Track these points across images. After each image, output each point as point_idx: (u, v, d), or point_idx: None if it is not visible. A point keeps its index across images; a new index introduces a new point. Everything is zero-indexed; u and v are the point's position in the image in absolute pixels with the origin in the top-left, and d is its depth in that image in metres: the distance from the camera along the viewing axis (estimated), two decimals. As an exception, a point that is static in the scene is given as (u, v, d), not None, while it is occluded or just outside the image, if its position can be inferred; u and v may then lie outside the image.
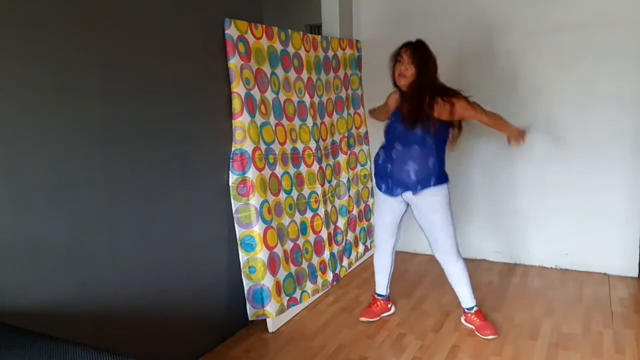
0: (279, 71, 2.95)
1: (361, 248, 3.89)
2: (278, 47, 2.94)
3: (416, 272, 3.71)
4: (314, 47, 3.28)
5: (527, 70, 3.52)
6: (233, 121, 2.66)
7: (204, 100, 2.52)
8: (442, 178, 2.69)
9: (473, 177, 3.73)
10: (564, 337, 2.73)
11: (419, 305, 3.17)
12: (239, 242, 2.74)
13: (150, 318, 2.27)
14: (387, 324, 2.93)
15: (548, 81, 3.48)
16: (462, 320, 2.89)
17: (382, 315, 3.01)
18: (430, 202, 2.68)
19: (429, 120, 2.58)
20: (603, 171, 3.44)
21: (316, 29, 5.02)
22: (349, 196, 3.69)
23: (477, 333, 2.77)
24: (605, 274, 3.56)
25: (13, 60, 1.68)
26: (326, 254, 3.35)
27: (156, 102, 2.25)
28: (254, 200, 2.69)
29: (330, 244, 3.39)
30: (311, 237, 3.23)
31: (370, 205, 4.05)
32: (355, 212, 3.79)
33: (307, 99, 3.17)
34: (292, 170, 3.05)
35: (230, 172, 2.68)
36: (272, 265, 2.80)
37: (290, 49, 3.04)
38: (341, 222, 3.60)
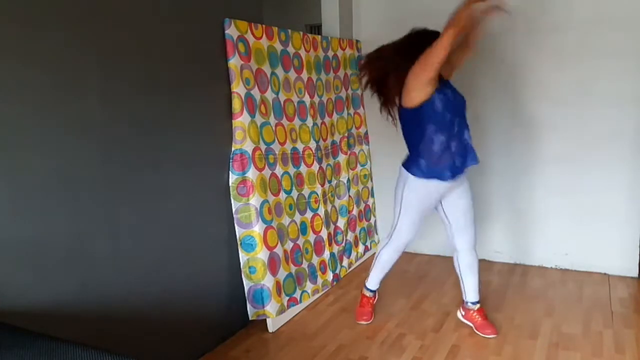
0: (279, 71, 2.95)
1: (361, 248, 3.89)
2: (278, 47, 2.94)
3: (416, 272, 3.71)
4: (314, 47, 3.28)
5: (526, 70, 3.52)
6: (233, 121, 2.66)
7: (204, 100, 2.52)
8: None
9: (472, 178, 3.72)
10: (564, 337, 2.73)
11: (419, 305, 3.17)
12: (239, 242, 2.74)
13: (150, 318, 2.27)
14: (387, 324, 2.94)
15: (548, 81, 3.48)
16: (461, 317, 2.89)
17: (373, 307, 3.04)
18: (468, 186, 2.72)
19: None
20: (603, 171, 3.43)
21: (316, 29, 5.02)
22: (349, 196, 3.69)
23: (477, 331, 2.77)
24: (605, 274, 3.56)
25: (13, 60, 1.68)
26: (326, 254, 3.35)
27: (156, 102, 2.25)
28: (254, 200, 2.69)
29: (330, 244, 3.39)
30: (311, 237, 3.23)
31: (370, 205, 4.05)
32: (355, 212, 3.79)
33: (307, 99, 3.17)
34: (292, 170, 3.05)
35: (230, 172, 2.68)
36: (272, 265, 2.80)
37: (290, 49, 3.04)
38: (341, 222, 3.60)
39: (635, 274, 3.49)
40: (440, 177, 2.58)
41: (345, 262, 3.65)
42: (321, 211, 3.29)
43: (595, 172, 3.46)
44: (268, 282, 2.77)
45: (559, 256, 3.68)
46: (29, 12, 1.72)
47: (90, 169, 1.97)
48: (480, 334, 2.75)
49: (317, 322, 2.99)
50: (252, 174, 2.68)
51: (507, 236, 3.80)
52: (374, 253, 3.82)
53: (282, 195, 2.96)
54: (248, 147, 2.67)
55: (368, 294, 3.03)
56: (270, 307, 2.79)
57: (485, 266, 3.72)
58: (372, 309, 3.03)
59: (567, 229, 3.61)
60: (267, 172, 2.81)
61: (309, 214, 3.21)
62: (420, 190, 2.65)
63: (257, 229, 2.71)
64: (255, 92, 2.74)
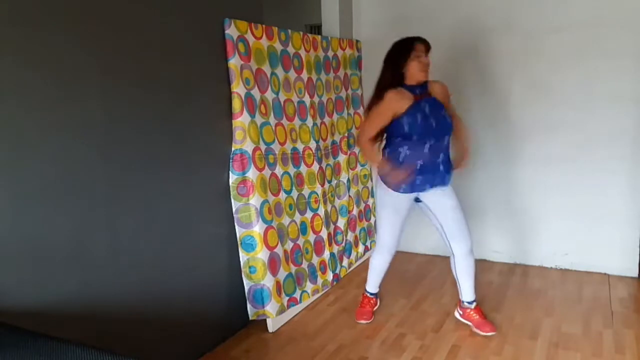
0: (279, 71, 2.95)
1: (361, 248, 3.89)
2: (278, 47, 2.94)
3: (416, 272, 3.71)
4: (314, 47, 3.28)
5: (526, 70, 3.52)
6: (233, 121, 2.66)
7: (204, 100, 2.52)
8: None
9: (472, 178, 3.72)
10: (564, 337, 2.73)
11: (419, 305, 3.17)
12: (239, 242, 2.74)
13: (150, 318, 2.27)
14: (387, 324, 2.94)
15: (548, 81, 3.48)
16: (459, 317, 2.90)
17: (373, 309, 3.06)
18: (452, 191, 2.74)
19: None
20: (603, 171, 3.43)
21: (316, 29, 5.02)
22: (349, 196, 3.69)
23: (475, 330, 2.78)
24: (605, 274, 3.56)
25: (13, 61, 1.68)
26: (326, 254, 3.35)
27: (156, 102, 2.25)
28: (254, 200, 2.69)
29: (330, 244, 3.39)
30: (311, 237, 3.23)
31: (370, 205, 4.05)
32: (355, 212, 3.79)
33: (307, 99, 3.17)
34: (292, 170, 3.05)
35: (230, 172, 2.68)
36: (273, 265, 2.80)
37: (290, 49, 3.04)
38: (341, 222, 3.60)
39: (635, 274, 3.49)
40: (396, 188, 2.67)
41: (345, 262, 3.65)
42: (321, 211, 3.29)
43: (595, 172, 3.46)
44: (268, 282, 2.77)
45: (559, 256, 3.68)
46: (29, 12, 1.72)
47: (90, 169, 1.97)
48: (479, 332, 2.75)
49: (317, 322, 2.99)
50: (252, 174, 2.68)
51: (507, 236, 3.80)
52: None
53: (282, 195, 2.95)
54: (248, 147, 2.67)
55: (369, 295, 3.05)
56: (270, 307, 2.79)
57: (485, 266, 3.72)
58: (372, 309, 3.04)
59: (567, 229, 3.61)
60: (267, 172, 2.81)
61: (309, 214, 3.21)
62: (386, 197, 2.75)
63: (257, 229, 2.71)
64: (255, 92, 2.74)
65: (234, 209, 2.70)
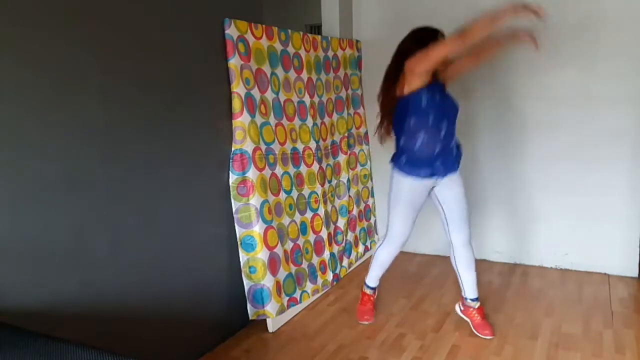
0: (279, 71, 2.95)
1: (361, 248, 3.89)
2: (278, 47, 2.94)
3: (416, 272, 3.72)
4: (314, 47, 3.28)
5: (526, 70, 3.52)
6: (233, 121, 2.66)
7: (204, 100, 2.52)
8: None
9: (472, 178, 3.72)
10: (564, 337, 2.73)
11: (419, 305, 3.17)
12: (239, 242, 2.74)
13: (150, 318, 2.27)
14: (387, 324, 2.93)
15: (548, 82, 3.48)
16: (459, 311, 2.89)
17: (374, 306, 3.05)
18: (461, 180, 2.73)
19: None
20: (603, 171, 3.44)
21: (316, 29, 5.02)
22: (349, 196, 3.69)
23: (474, 330, 2.77)
24: (605, 274, 3.56)
25: (13, 61, 1.68)
26: (326, 254, 3.35)
27: (156, 102, 2.25)
28: (254, 200, 2.69)
29: (330, 244, 3.39)
30: (311, 237, 3.23)
31: (370, 205, 4.05)
32: (355, 212, 3.79)
33: (307, 99, 3.17)
34: (292, 170, 3.05)
35: (230, 172, 2.68)
36: (273, 265, 2.80)
37: (290, 49, 3.04)
38: (341, 222, 3.60)
39: (635, 274, 3.49)
40: (418, 174, 2.65)
41: (345, 262, 3.65)
42: (321, 211, 3.29)
43: (595, 172, 3.46)
44: (268, 282, 2.77)
45: (559, 256, 3.68)
46: (29, 13, 1.72)
47: (90, 169, 1.96)
48: (478, 334, 2.75)
49: (317, 322, 2.99)
50: (252, 174, 2.68)
51: (507, 236, 3.80)
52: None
53: (282, 195, 2.96)
54: (248, 147, 2.67)
55: (368, 291, 3.03)
56: (270, 307, 2.79)
57: (485, 266, 3.72)
58: (373, 306, 3.03)
59: (567, 229, 3.61)
60: (267, 172, 2.81)
61: (309, 214, 3.21)
62: (403, 185, 2.70)
63: (257, 229, 2.71)
64: (255, 92, 2.74)
65: (234, 209, 2.70)
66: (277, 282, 2.84)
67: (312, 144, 3.20)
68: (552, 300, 3.19)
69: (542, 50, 2.59)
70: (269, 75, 2.85)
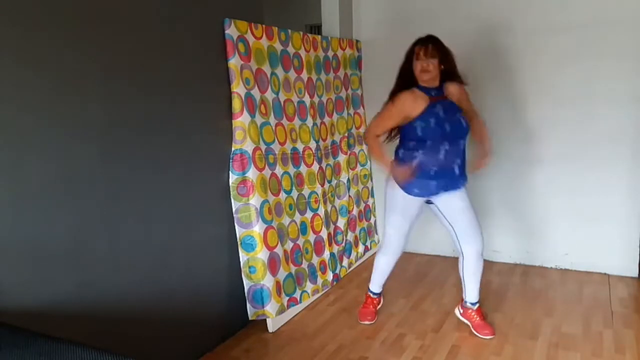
0: (279, 71, 2.95)
1: (361, 248, 3.89)
2: (278, 47, 2.94)
3: (416, 272, 3.71)
4: (314, 47, 3.28)
5: (527, 70, 3.52)
6: (233, 121, 2.66)
7: (204, 100, 2.52)
8: None
9: (472, 178, 3.72)
10: (564, 337, 2.73)
11: (419, 305, 3.17)
12: (239, 242, 2.74)
13: (150, 318, 2.27)
14: (387, 324, 2.93)
15: (548, 82, 3.48)
16: (459, 315, 2.89)
17: (377, 309, 3.05)
18: (464, 193, 2.70)
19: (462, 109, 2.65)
20: (603, 171, 3.43)
21: (316, 29, 5.02)
22: (349, 196, 3.69)
23: (474, 331, 2.77)
24: (605, 274, 3.56)
25: (13, 62, 1.68)
26: (326, 254, 3.35)
27: (156, 102, 2.25)
28: (254, 200, 2.69)
29: (330, 244, 3.39)
30: (311, 237, 3.23)
31: (370, 205, 4.05)
32: (355, 212, 3.79)
33: (307, 99, 3.17)
34: (292, 170, 3.05)
35: (230, 172, 2.68)
36: (272, 265, 2.80)
37: (290, 49, 3.04)
38: (341, 222, 3.60)
39: (635, 274, 3.49)
40: (410, 191, 2.64)
41: (345, 262, 3.65)
42: (321, 211, 3.29)
43: (595, 172, 3.46)
44: (268, 282, 2.77)
45: (559, 256, 3.68)
46: (29, 13, 1.72)
47: (90, 169, 1.96)
48: (478, 334, 2.75)
49: (317, 322, 2.99)
50: (252, 174, 2.68)
51: (507, 236, 3.80)
52: (374, 253, 3.81)
53: (282, 195, 2.96)
54: (248, 147, 2.67)
55: (372, 295, 3.04)
56: (270, 307, 2.79)
57: (485, 266, 3.67)
58: (376, 309, 3.03)
59: (567, 228, 3.61)
60: (267, 172, 2.81)
61: (309, 214, 3.21)
62: (397, 196, 2.70)
63: (257, 229, 2.71)
64: (255, 92, 2.74)
65: (234, 209, 2.70)
66: (277, 282, 2.84)
67: (312, 144, 3.20)
68: (552, 300, 3.19)
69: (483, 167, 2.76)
70: (269, 75, 2.85)
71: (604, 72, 3.33)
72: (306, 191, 3.19)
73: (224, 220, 2.70)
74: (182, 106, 2.40)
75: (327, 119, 3.43)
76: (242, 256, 2.75)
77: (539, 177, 3.63)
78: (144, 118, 2.20)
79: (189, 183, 2.47)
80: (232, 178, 2.68)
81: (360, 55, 3.91)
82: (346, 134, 3.67)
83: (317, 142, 3.25)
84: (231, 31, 2.59)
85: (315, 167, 3.23)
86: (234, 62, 2.60)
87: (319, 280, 3.28)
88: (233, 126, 2.66)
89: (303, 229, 3.15)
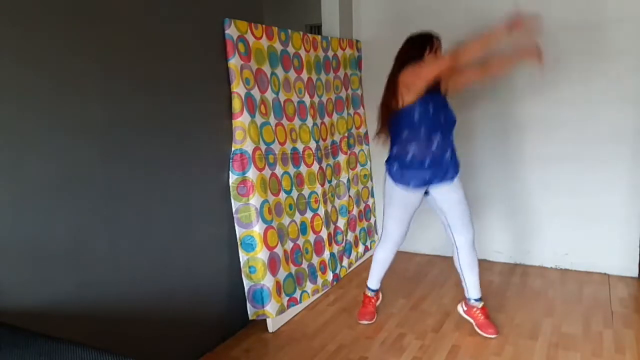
0: (279, 71, 2.95)
1: (361, 248, 3.89)
2: (278, 47, 2.94)
3: (416, 272, 3.71)
4: (314, 47, 3.28)
5: (526, 70, 3.51)
6: (233, 121, 2.66)
7: (204, 100, 2.52)
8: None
9: (472, 178, 3.72)
10: (564, 337, 2.73)
11: (419, 305, 3.17)
12: (239, 242, 2.74)
13: (150, 318, 2.27)
14: (387, 324, 2.93)
15: (548, 81, 3.47)
16: (462, 312, 2.89)
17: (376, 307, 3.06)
18: (459, 185, 2.74)
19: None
20: (603, 171, 3.44)
21: (316, 29, 5.02)
22: (349, 196, 3.69)
23: (478, 330, 2.77)
24: (605, 274, 3.56)
25: (13, 62, 1.68)
26: (326, 254, 3.35)
27: (156, 102, 2.25)
28: (254, 200, 2.69)
29: (330, 244, 3.39)
30: (311, 237, 3.23)
31: (370, 205, 4.05)
32: (355, 212, 3.79)
33: (307, 99, 3.17)
34: (292, 170, 3.05)
35: (230, 172, 2.68)
36: (272, 265, 2.80)
37: (290, 49, 3.04)
38: (341, 222, 3.60)
39: (635, 274, 3.49)
40: (407, 184, 2.71)
41: (345, 262, 3.65)
42: (321, 211, 3.29)
43: (595, 172, 3.46)
44: (268, 282, 2.77)
45: (559, 256, 3.68)
46: (29, 13, 1.72)
47: (90, 169, 1.96)
48: (482, 333, 2.75)
49: (317, 322, 2.99)
50: (252, 174, 2.68)
51: (507, 236, 3.80)
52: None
53: (282, 195, 2.96)
54: (248, 147, 2.67)
55: (370, 293, 3.04)
56: (270, 307, 2.79)
57: (485, 266, 3.72)
58: (375, 308, 3.03)
59: (567, 228, 3.61)
60: (267, 172, 2.81)
61: (309, 214, 3.21)
62: (395, 190, 2.77)
63: (257, 229, 2.71)
64: (255, 92, 2.74)
65: (234, 209, 2.70)
66: (277, 282, 2.84)
67: (312, 144, 3.20)
68: (552, 300, 3.19)
69: (545, 71, 2.60)
70: (269, 75, 2.85)
71: (604, 72, 3.33)
72: (306, 191, 3.19)
73: (224, 220, 2.70)
74: (182, 106, 2.40)
75: (327, 119, 3.43)
76: (242, 256, 2.75)
77: (538, 177, 3.62)
78: (144, 118, 2.20)
79: (189, 183, 2.47)
80: (232, 178, 2.68)
81: (360, 55, 3.91)
82: (346, 134, 3.67)
83: (317, 142, 3.25)
84: (231, 31, 2.59)
85: (315, 167, 3.23)
86: (234, 62, 2.60)
87: (319, 280, 3.28)
88: (233, 126, 2.66)
89: (303, 229, 3.15)
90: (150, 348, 2.25)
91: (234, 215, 2.71)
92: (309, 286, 3.17)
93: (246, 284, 2.78)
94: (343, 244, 3.62)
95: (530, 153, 3.61)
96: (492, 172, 3.74)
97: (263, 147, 2.78)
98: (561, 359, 2.52)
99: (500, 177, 3.73)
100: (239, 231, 2.73)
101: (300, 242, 3.12)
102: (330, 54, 3.47)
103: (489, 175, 3.75)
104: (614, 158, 3.39)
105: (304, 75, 3.16)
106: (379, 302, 3.08)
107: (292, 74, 3.06)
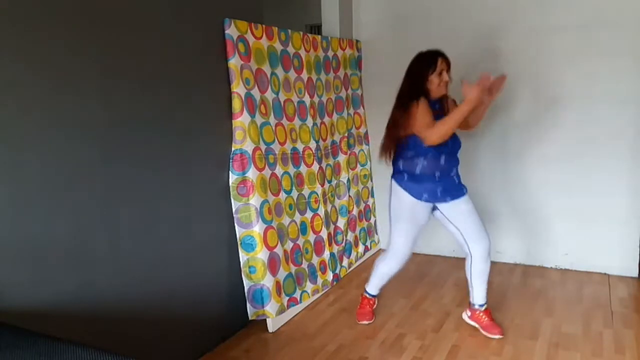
0: (279, 71, 2.95)
1: (361, 248, 3.89)
2: (278, 47, 2.94)
3: (416, 272, 3.71)
4: (314, 47, 3.28)
5: (527, 70, 3.52)
6: (233, 121, 2.66)
7: (204, 100, 2.52)
8: None
9: (472, 179, 3.72)
10: (564, 337, 2.73)
11: (419, 305, 3.17)
12: (239, 242, 2.74)
13: (150, 318, 2.27)
14: (387, 324, 2.93)
15: (548, 81, 3.48)
16: (467, 318, 2.88)
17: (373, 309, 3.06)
18: (469, 200, 2.73)
19: None
20: (603, 171, 3.43)
21: (316, 29, 5.02)
22: (349, 196, 3.69)
23: (483, 332, 2.77)
24: (605, 274, 3.56)
25: (13, 61, 1.68)
26: (326, 254, 3.35)
27: (156, 102, 2.25)
28: (254, 200, 2.69)
29: (330, 244, 3.39)
30: (311, 237, 3.23)
31: (370, 205, 4.05)
32: (355, 212, 3.79)
33: (307, 99, 3.17)
34: (292, 170, 3.05)
35: (230, 172, 2.68)
36: (272, 265, 2.80)
37: (290, 49, 3.04)
38: (341, 222, 3.60)
39: (635, 274, 3.49)
40: (418, 196, 2.67)
41: (345, 262, 3.65)
42: (321, 211, 3.29)
43: (595, 173, 3.46)
44: (268, 282, 2.77)
45: (559, 256, 3.68)
46: (29, 13, 1.72)
47: (90, 169, 1.97)
48: (487, 334, 2.74)
49: (317, 322, 2.99)
50: (252, 174, 2.68)
51: (507, 236, 3.80)
52: (374, 253, 3.81)
53: (282, 195, 2.96)
54: (248, 147, 2.67)
55: (368, 296, 3.04)
56: (270, 307, 2.79)
57: (485, 266, 3.72)
58: (372, 310, 3.03)
59: (567, 229, 3.61)
60: (267, 172, 2.81)
61: (309, 214, 3.21)
62: (405, 202, 2.71)
63: (257, 229, 2.71)
64: (255, 92, 2.74)
65: (234, 209, 2.70)
66: (277, 282, 2.84)
67: (312, 144, 3.20)
68: (552, 300, 3.19)
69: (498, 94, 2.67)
70: (269, 75, 2.85)
71: (604, 72, 3.33)
72: (306, 191, 3.19)
73: (224, 220, 2.70)
74: (182, 106, 2.40)
75: (327, 119, 3.43)
76: (242, 256, 2.75)
77: (538, 177, 3.63)
78: (144, 118, 2.20)
79: (189, 183, 2.47)
80: (232, 178, 2.68)
81: (360, 55, 3.91)
82: (346, 134, 3.67)
83: (317, 142, 3.25)
84: (231, 31, 2.59)
85: (315, 167, 3.23)
86: (234, 62, 2.60)
87: (319, 280, 3.28)
88: (233, 126, 2.66)
89: (303, 229, 3.15)
90: (150, 348, 2.25)
91: (234, 215, 2.71)
92: (309, 286, 3.17)
93: (246, 284, 2.78)
94: (343, 244, 3.62)
95: (530, 153, 3.61)
96: (493, 172, 3.74)
97: (263, 147, 2.78)
98: (561, 359, 2.52)
99: (501, 178, 3.73)
100: (239, 231, 2.73)
101: (300, 242, 3.12)
102: (330, 54, 3.47)
103: (490, 176, 3.75)
104: (614, 158, 3.39)
105: (304, 75, 3.16)
106: (375, 306, 3.08)
107: (292, 74, 3.06)
